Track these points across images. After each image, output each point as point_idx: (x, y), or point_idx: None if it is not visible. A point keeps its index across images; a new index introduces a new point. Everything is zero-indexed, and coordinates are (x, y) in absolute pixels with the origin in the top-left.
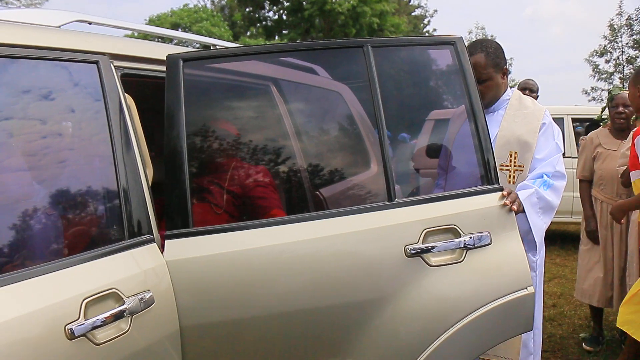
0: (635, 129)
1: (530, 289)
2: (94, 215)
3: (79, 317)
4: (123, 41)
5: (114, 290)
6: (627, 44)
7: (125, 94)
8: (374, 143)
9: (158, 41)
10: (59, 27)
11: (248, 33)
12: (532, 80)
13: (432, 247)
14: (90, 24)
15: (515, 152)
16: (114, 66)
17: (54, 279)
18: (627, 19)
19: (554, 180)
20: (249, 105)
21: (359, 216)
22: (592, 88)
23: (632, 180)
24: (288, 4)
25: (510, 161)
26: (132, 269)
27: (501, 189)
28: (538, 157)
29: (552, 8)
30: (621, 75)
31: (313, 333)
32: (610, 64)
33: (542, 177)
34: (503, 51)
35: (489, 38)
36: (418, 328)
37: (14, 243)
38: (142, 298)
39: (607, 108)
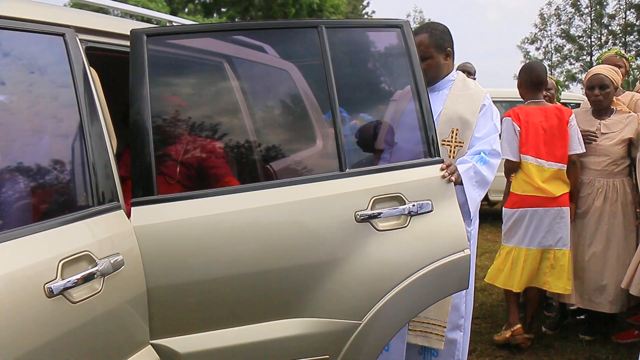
0: None
1: (467, 252)
2: (64, 183)
3: (56, 277)
4: (88, 15)
5: (87, 252)
6: (555, 32)
7: (90, 67)
8: (318, 120)
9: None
10: None
11: (186, 10)
12: (470, 63)
13: (380, 214)
14: None
15: (457, 129)
16: (79, 39)
17: (31, 241)
18: (555, 9)
19: (490, 157)
20: (204, 82)
21: (313, 185)
22: None
23: None
24: None
25: (452, 137)
26: (103, 234)
27: (442, 162)
28: (477, 136)
29: None
30: (549, 63)
31: (267, 294)
32: (540, 51)
33: (480, 154)
34: (450, 35)
35: (435, 22)
36: (366, 288)
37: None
38: (112, 260)
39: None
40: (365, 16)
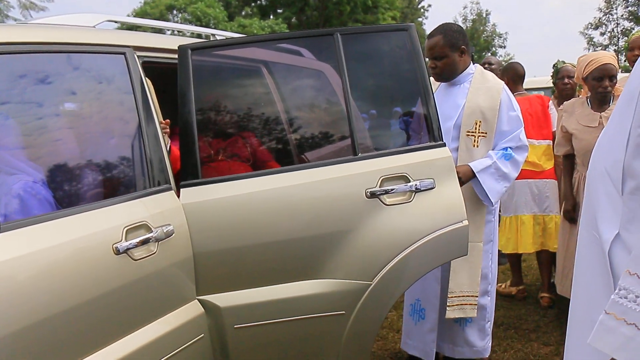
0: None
1: (465, 222)
2: (128, 171)
3: (121, 239)
4: (142, 35)
5: (145, 222)
6: (622, 15)
7: (146, 78)
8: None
9: (171, 34)
10: (94, 26)
11: (243, 13)
12: (493, 56)
13: (387, 190)
14: (116, 22)
15: (479, 121)
16: (137, 56)
17: (104, 212)
18: None
19: (516, 153)
20: (243, 84)
21: (331, 167)
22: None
23: None
24: None
25: (475, 128)
26: (157, 209)
27: (444, 145)
28: (504, 129)
29: None
30: (616, 47)
31: (292, 258)
32: (605, 36)
33: (507, 150)
34: (463, 33)
35: (449, 22)
36: (376, 253)
37: (79, 187)
38: (165, 229)
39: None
40: (422, 10)
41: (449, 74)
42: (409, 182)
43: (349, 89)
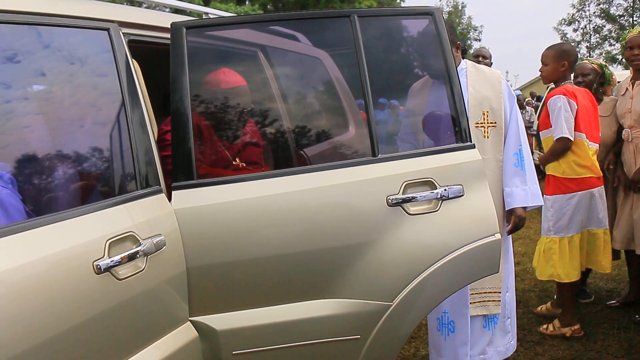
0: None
1: (497, 236)
2: (109, 168)
3: (104, 255)
4: (130, 10)
5: (131, 233)
6: (594, 12)
7: (132, 59)
8: (351, 107)
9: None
10: None
11: None
12: (485, 48)
13: (411, 198)
14: None
15: (487, 111)
16: (123, 33)
17: (81, 222)
18: None
19: (525, 155)
20: (240, 70)
21: (346, 170)
22: None
23: (541, 139)
24: None
25: (484, 119)
26: (145, 216)
27: (473, 147)
28: (511, 120)
29: None
30: (588, 44)
31: (300, 275)
32: (577, 32)
33: (515, 157)
34: (454, 28)
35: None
36: (397, 270)
37: (47, 191)
38: (155, 241)
39: None
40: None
41: None
42: (436, 188)
43: (367, 78)
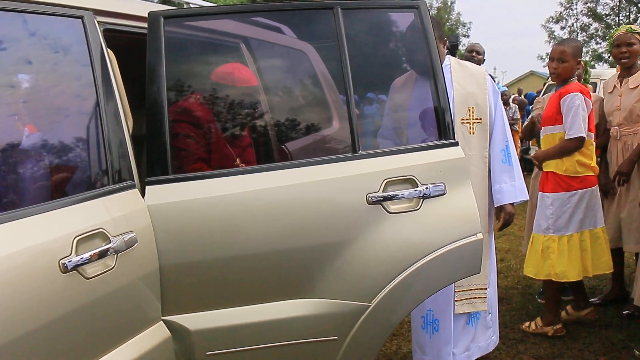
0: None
1: (479, 236)
2: (80, 162)
3: (71, 253)
4: None
5: (101, 230)
6: (581, 11)
7: (108, 49)
8: (335, 101)
9: None
10: None
11: None
12: (479, 44)
13: (392, 196)
14: None
15: (472, 107)
16: (97, 22)
17: (47, 218)
18: None
19: (511, 150)
20: (221, 63)
21: (325, 166)
22: (547, 54)
23: (544, 134)
24: None
25: (469, 115)
26: (117, 212)
27: (456, 144)
28: (496, 117)
29: None
30: None
31: (276, 274)
32: (565, 30)
33: (502, 153)
34: (439, 23)
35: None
36: (376, 270)
37: (10, 185)
38: (126, 238)
39: None
40: None
41: None
42: (417, 186)
43: (349, 72)
